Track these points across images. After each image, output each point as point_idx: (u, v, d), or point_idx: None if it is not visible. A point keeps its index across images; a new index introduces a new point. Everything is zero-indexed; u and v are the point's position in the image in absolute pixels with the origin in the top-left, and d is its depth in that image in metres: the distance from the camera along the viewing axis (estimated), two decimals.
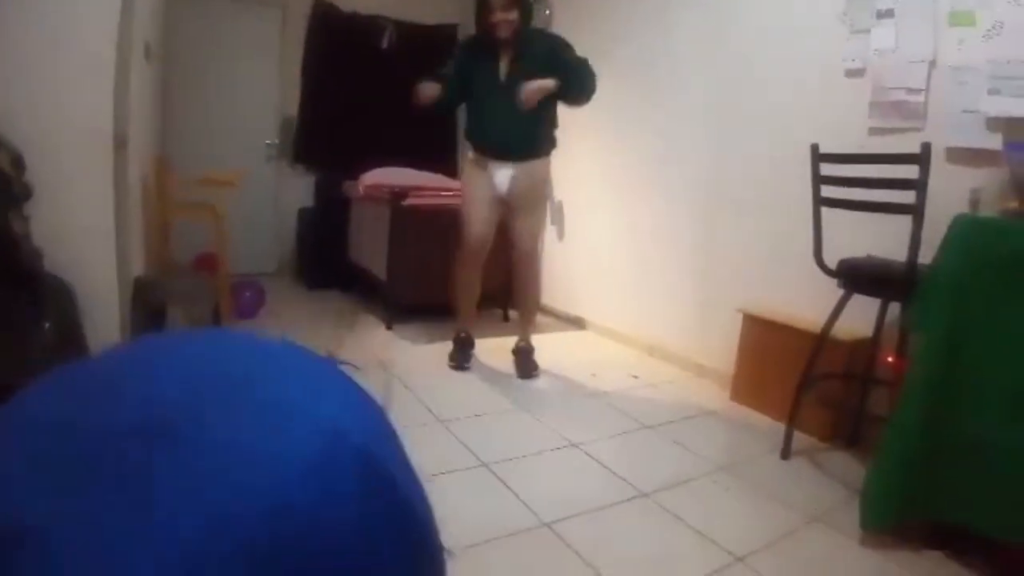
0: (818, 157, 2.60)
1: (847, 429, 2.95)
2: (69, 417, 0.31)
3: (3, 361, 1.88)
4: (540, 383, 3.57)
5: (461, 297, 3.76)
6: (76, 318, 2.34)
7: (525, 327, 3.79)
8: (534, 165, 3.49)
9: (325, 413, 0.34)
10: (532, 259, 3.63)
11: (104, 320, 2.52)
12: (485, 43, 3.41)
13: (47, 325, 2.13)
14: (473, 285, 3.68)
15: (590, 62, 3.34)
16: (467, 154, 3.69)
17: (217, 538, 0.27)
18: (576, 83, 3.31)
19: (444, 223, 4.11)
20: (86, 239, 2.46)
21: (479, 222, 3.53)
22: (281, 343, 0.37)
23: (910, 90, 2.80)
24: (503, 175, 3.49)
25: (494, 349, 3.93)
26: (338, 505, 0.31)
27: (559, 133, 3.59)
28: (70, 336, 2.29)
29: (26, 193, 2.21)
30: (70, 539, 0.26)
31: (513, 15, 3.27)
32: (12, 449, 0.30)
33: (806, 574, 2.03)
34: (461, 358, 3.70)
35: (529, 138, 3.44)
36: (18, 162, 2.18)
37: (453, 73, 3.47)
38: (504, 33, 3.30)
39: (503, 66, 3.39)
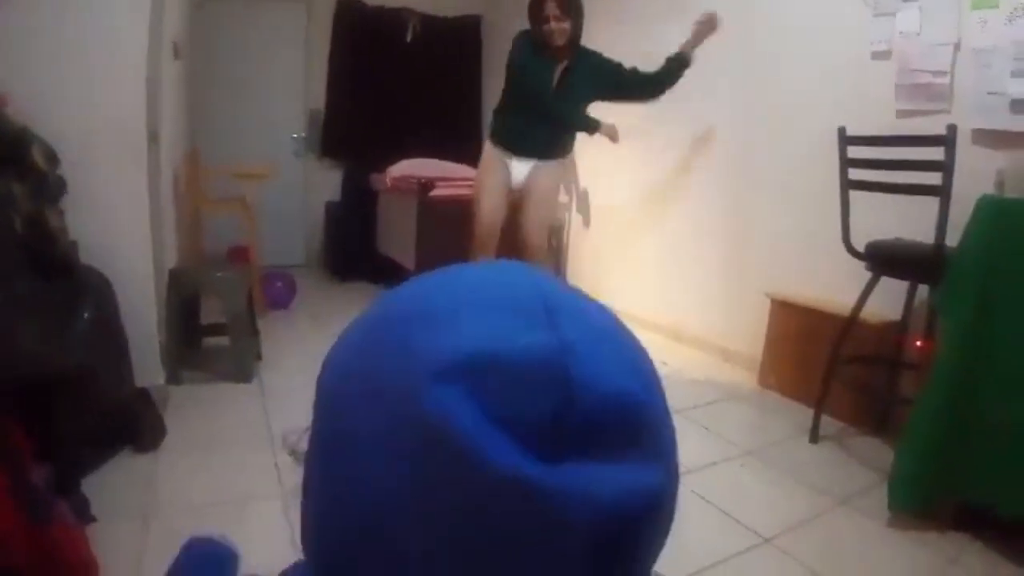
0: (845, 140, 2.60)
1: (876, 413, 2.95)
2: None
3: (45, 349, 1.95)
4: None
5: None
6: (114, 308, 2.39)
7: None
8: (555, 163, 3.56)
9: None
10: (541, 252, 3.66)
11: (141, 310, 2.58)
12: (538, 47, 3.33)
13: (86, 315, 2.18)
14: None
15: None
16: (486, 144, 3.70)
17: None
18: (658, 85, 3.48)
19: (471, 213, 4.15)
20: (122, 232, 2.51)
21: (490, 211, 3.58)
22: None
23: (936, 72, 2.78)
24: (521, 169, 3.53)
25: None
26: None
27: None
28: (108, 325, 2.35)
29: (61, 188, 2.25)
30: None
31: (567, 24, 3.21)
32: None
33: (833, 555, 2.05)
34: None
35: (559, 142, 3.51)
36: (52, 157, 2.22)
37: (523, 66, 3.38)
38: (559, 40, 3.24)
39: (555, 75, 3.37)
